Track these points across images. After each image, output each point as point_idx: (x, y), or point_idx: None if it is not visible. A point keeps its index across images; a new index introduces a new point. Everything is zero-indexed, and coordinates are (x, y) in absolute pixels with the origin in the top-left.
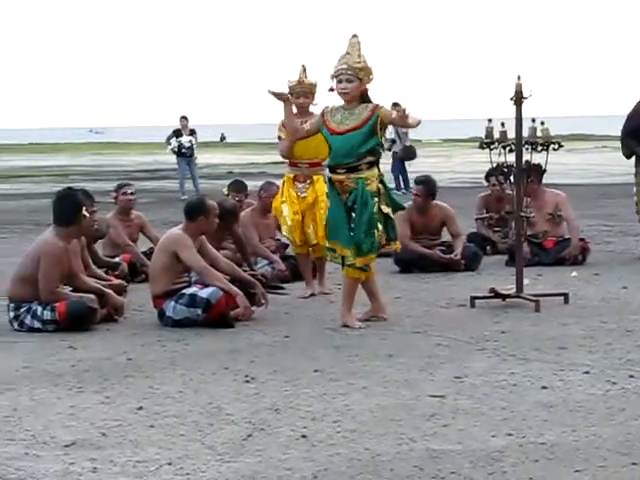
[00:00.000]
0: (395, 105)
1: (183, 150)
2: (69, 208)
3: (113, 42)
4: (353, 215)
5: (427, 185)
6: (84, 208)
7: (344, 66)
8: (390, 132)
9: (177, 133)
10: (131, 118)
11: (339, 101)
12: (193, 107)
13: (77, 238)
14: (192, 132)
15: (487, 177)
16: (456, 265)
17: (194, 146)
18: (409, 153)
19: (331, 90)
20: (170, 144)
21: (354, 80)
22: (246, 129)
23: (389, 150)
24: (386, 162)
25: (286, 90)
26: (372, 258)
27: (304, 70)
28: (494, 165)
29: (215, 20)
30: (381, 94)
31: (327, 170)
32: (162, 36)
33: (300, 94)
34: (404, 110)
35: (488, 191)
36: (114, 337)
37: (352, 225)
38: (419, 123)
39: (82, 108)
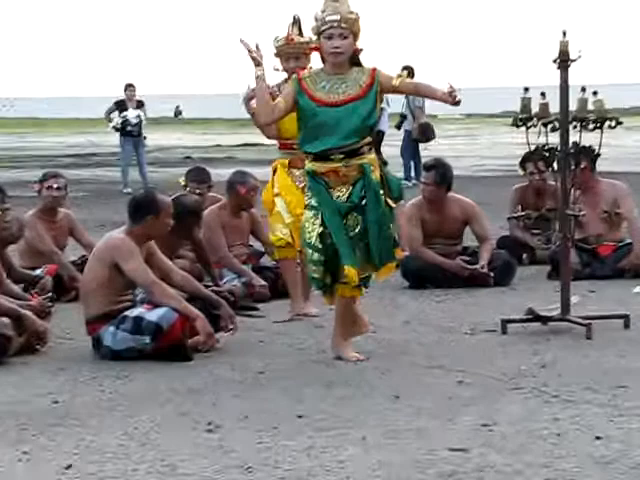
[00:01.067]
0: (406, 69)
1: (129, 128)
2: None
3: None
4: (354, 216)
5: (439, 170)
6: None
7: (336, 17)
8: (402, 105)
9: (120, 106)
10: (53, 88)
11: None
12: (140, 74)
13: None
14: (140, 104)
15: (523, 163)
16: (483, 279)
17: (143, 123)
18: (425, 132)
19: (315, 49)
20: (112, 120)
21: (348, 36)
22: (207, 101)
23: (397, 128)
24: (393, 142)
25: (272, 52)
26: (392, 267)
27: (295, 23)
28: (532, 148)
29: None
30: (390, 55)
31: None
32: None
33: (290, 56)
34: (451, 88)
35: (525, 182)
36: (35, 373)
37: (355, 230)
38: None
39: None
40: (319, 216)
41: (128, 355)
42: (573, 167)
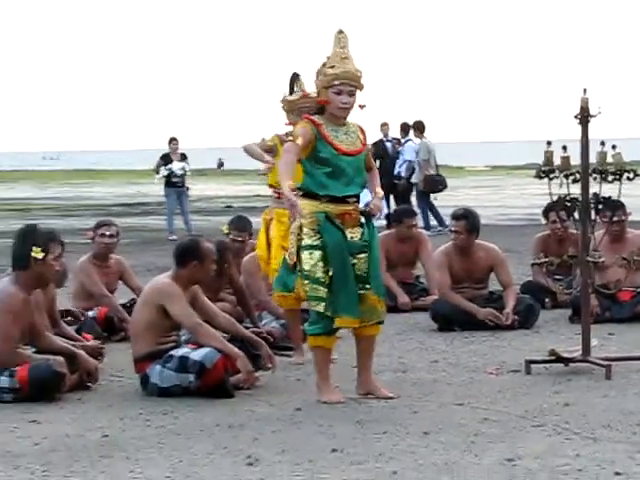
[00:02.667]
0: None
1: (174, 179)
2: (19, 248)
3: (78, 50)
4: (364, 258)
5: (469, 219)
6: (38, 248)
7: (347, 74)
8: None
9: (166, 158)
10: (100, 141)
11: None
12: (183, 127)
13: (39, 287)
14: (183, 157)
15: (546, 213)
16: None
17: (187, 174)
18: (431, 184)
19: (325, 103)
20: (159, 172)
21: (355, 93)
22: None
23: (408, 181)
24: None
25: (282, 107)
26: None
27: (297, 79)
28: (554, 198)
29: (211, 28)
30: (415, 107)
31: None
32: (148, 45)
33: (303, 110)
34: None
35: (547, 230)
36: (87, 409)
37: (364, 271)
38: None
39: (34, 129)
40: (327, 258)
41: (173, 392)
42: (613, 219)
